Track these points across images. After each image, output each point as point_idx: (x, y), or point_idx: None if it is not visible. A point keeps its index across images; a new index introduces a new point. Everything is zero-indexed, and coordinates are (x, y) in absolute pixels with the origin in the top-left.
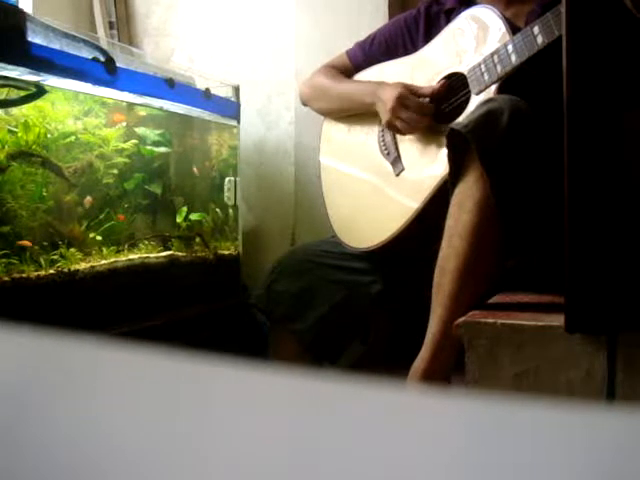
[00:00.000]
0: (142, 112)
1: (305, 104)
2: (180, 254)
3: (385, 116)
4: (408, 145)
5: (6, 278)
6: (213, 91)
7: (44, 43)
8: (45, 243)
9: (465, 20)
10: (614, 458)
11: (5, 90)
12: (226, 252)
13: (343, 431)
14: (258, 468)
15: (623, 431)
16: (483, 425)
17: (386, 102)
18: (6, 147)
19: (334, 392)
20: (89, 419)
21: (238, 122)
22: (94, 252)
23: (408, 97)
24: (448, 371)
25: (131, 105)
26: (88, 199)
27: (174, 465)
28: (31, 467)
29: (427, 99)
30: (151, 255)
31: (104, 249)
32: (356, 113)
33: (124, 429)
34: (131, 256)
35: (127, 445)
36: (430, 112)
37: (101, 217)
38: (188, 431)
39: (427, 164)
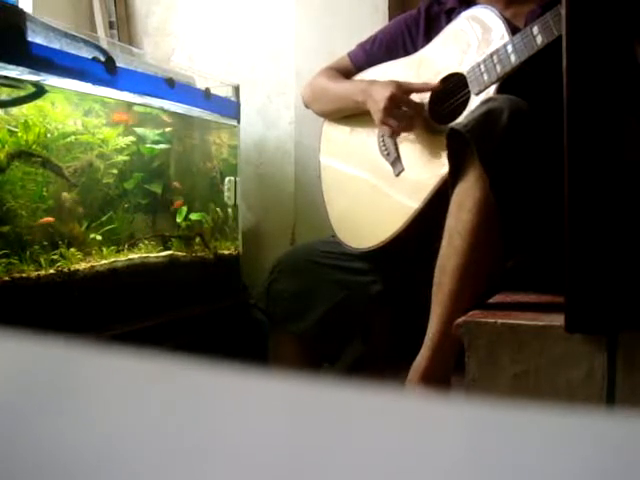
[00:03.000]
0: (142, 112)
1: (307, 106)
2: (180, 254)
3: (377, 115)
4: (408, 145)
5: (6, 278)
6: (213, 91)
7: (44, 43)
8: (45, 243)
9: (465, 20)
10: (614, 462)
11: (5, 90)
12: (226, 252)
13: (342, 435)
14: (257, 472)
15: (623, 435)
16: (483, 429)
17: (378, 101)
18: (6, 147)
19: (333, 396)
20: (87, 422)
21: (238, 122)
22: (94, 252)
23: (401, 96)
24: (448, 371)
25: (131, 105)
26: (46, 219)
27: (173, 468)
28: (30, 468)
29: (420, 97)
30: (151, 255)
31: (104, 249)
32: (351, 113)
33: (122, 432)
34: (131, 256)
35: (125, 448)
36: (422, 111)
37: (103, 219)
38: (187, 434)
39: (427, 164)
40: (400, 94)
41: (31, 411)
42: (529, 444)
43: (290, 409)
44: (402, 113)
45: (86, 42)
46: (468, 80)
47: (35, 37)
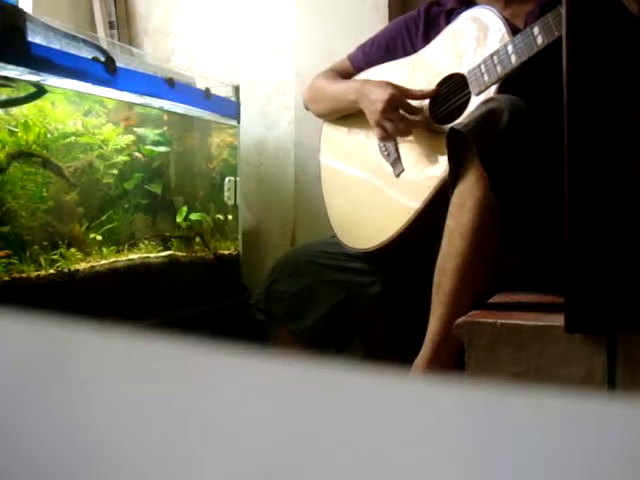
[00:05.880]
0: (142, 112)
1: (307, 108)
2: (180, 254)
3: (374, 116)
4: (408, 146)
5: (6, 278)
6: (213, 91)
7: (44, 43)
8: (45, 243)
9: (465, 21)
10: (617, 449)
11: (5, 90)
12: (226, 252)
13: (343, 420)
14: (259, 457)
15: (626, 422)
16: (484, 414)
17: (375, 103)
18: (6, 147)
19: (335, 380)
20: (85, 409)
21: (238, 122)
22: (94, 252)
23: (399, 99)
24: (448, 371)
25: (132, 105)
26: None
27: (174, 454)
28: (26, 460)
29: (417, 102)
30: (151, 255)
31: (104, 249)
32: (346, 113)
33: (121, 419)
34: (131, 256)
35: (126, 435)
36: (420, 115)
37: (103, 219)
38: (187, 421)
39: (427, 165)
40: (398, 97)
41: (28, 398)
42: (529, 428)
43: (290, 394)
44: (399, 117)
45: (86, 42)
46: (468, 81)
47: (35, 37)
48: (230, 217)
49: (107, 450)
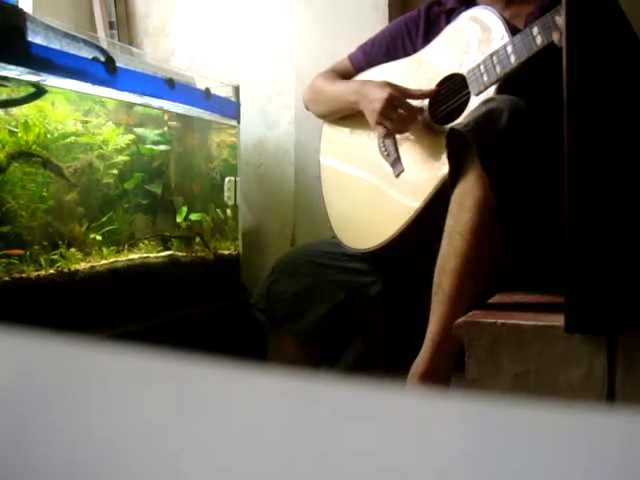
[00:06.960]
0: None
1: (307, 108)
2: (180, 254)
3: (373, 116)
4: (408, 146)
5: (6, 278)
6: (213, 91)
7: (44, 43)
8: (45, 243)
9: (465, 21)
10: (614, 460)
11: (5, 90)
12: (226, 252)
13: (341, 433)
14: (256, 470)
15: (623, 433)
16: (482, 427)
17: (374, 102)
18: (6, 147)
19: (332, 394)
20: (87, 420)
21: (238, 122)
22: (94, 252)
23: (398, 98)
24: (448, 371)
25: (132, 105)
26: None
27: (172, 466)
28: (29, 469)
29: (416, 101)
30: (151, 255)
31: (104, 249)
32: (346, 114)
33: (122, 430)
34: (131, 256)
35: (125, 446)
36: (418, 113)
37: (103, 220)
38: (186, 433)
39: (427, 165)
40: (397, 96)
41: (31, 409)
42: (528, 440)
43: (287, 407)
44: (398, 115)
45: (86, 42)
46: (468, 81)
47: (35, 37)
48: (230, 217)
49: (108, 461)
